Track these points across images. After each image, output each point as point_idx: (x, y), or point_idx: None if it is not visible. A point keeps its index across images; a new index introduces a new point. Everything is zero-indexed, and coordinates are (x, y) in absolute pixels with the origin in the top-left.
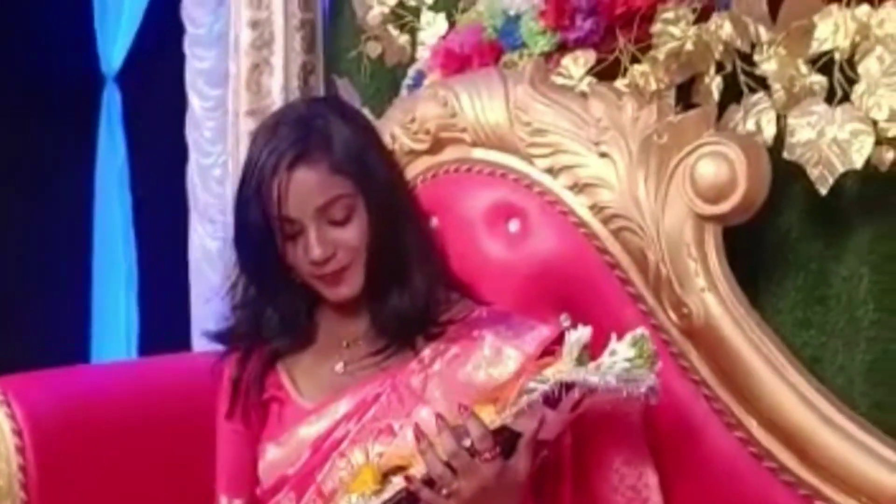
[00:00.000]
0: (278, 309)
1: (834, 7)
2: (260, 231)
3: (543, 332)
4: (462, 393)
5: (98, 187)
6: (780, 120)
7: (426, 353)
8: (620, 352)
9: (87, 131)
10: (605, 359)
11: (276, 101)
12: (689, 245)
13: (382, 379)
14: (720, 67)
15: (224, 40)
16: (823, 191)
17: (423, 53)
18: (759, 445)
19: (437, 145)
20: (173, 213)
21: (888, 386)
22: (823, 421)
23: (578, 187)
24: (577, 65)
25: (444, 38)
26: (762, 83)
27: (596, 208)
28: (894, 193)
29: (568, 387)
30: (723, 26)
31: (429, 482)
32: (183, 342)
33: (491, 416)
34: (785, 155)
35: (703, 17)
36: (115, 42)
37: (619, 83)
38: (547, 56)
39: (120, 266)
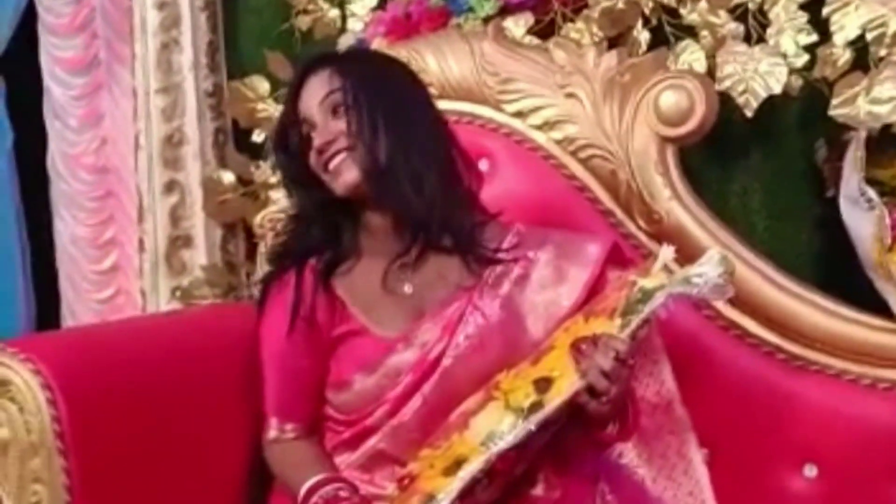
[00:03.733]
0: (320, 224)
1: None
2: (293, 146)
3: (596, 249)
4: (539, 313)
5: None
6: (708, 60)
7: (488, 274)
8: (709, 268)
9: None
10: (692, 275)
11: (185, 76)
12: (655, 163)
13: (459, 300)
14: (646, 21)
15: (87, 29)
16: (749, 113)
17: (354, 25)
18: (725, 318)
19: None
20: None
21: None
22: (775, 286)
23: (549, 125)
24: (517, 25)
25: (378, 8)
26: (687, 31)
27: (566, 141)
28: (784, 118)
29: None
30: None
31: (590, 392)
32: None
33: (610, 328)
34: (717, 87)
35: None
36: None
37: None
38: (488, 19)
39: (12, 251)
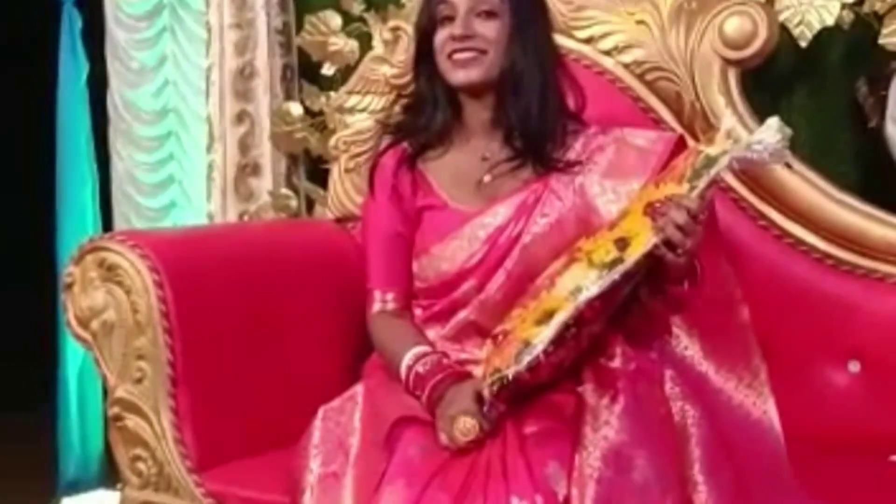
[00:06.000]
0: (431, 109)
1: None
2: (426, 22)
3: (664, 137)
4: (609, 196)
5: (60, 108)
6: None
7: (563, 166)
8: (768, 135)
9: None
10: (753, 142)
11: (258, 13)
12: (718, 84)
13: (535, 186)
14: None
15: None
16: (804, 44)
17: None
18: (778, 227)
19: None
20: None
21: None
22: (824, 194)
23: (618, 49)
24: None
25: None
26: None
27: (634, 64)
28: (830, 55)
29: (738, 161)
30: None
31: (666, 244)
32: None
33: (680, 191)
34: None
35: None
36: None
37: None
38: None
39: (87, 181)
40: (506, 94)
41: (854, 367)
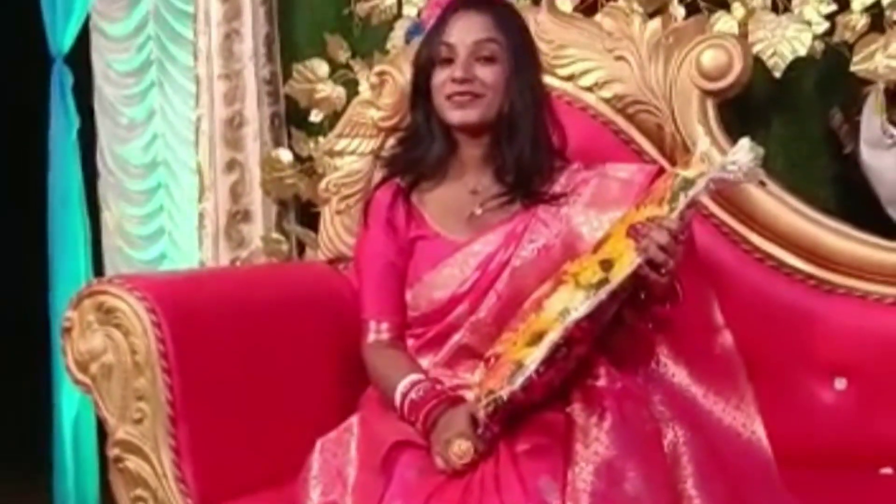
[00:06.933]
0: (426, 144)
1: None
2: (425, 60)
3: (643, 168)
4: (594, 224)
5: (52, 163)
6: (740, 27)
7: (549, 198)
8: (741, 155)
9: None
10: (727, 162)
11: (246, 64)
12: (697, 115)
13: (523, 216)
14: None
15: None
16: (777, 74)
17: (409, 10)
18: (762, 251)
19: None
20: None
21: None
22: (803, 216)
23: (598, 85)
24: (563, 3)
25: None
26: (719, 4)
27: (615, 98)
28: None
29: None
30: None
31: (650, 264)
32: None
33: (660, 212)
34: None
35: None
36: (66, 22)
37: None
38: None
39: (78, 237)
40: (501, 134)
41: (840, 383)
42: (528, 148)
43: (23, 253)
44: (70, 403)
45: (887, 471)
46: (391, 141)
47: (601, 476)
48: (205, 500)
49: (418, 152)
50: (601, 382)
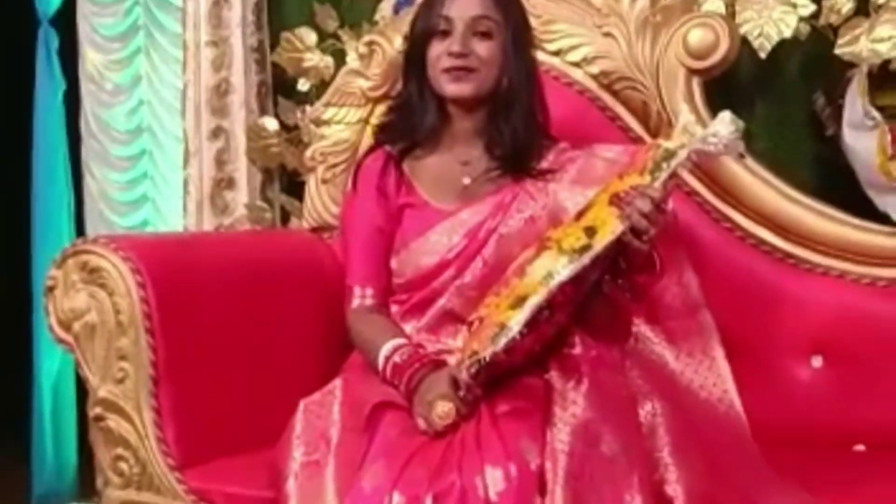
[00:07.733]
0: (418, 114)
1: None
2: (422, 32)
3: (626, 146)
4: (578, 199)
5: (37, 125)
6: (727, 7)
7: (535, 173)
8: (723, 127)
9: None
10: (708, 134)
11: (234, 31)
12: (683, 93)
13: (511, 188)
14: None
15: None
16: (763, 55)
17: None
18: (742, 229)
19: None
20: None
21: None
22: (784, 196)
23: (586, 61)
24: None
25: None
26: None
27: (602, 75)
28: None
29: (696, 153)
30: None
31: (632, 231)
32: None
33: (642, 181)
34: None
35: None
36: None
37: None
38: None
39: (62, 200)
40: (497, 109)
41: (817, 361)
42: (523, 124)
43: (4, 215)
44: (50, 366)
45: (861, 448)
46: (382, 109)
47: (578, 437)
48: (185, 461)
49: (411, 121)
50: (577, 350)
